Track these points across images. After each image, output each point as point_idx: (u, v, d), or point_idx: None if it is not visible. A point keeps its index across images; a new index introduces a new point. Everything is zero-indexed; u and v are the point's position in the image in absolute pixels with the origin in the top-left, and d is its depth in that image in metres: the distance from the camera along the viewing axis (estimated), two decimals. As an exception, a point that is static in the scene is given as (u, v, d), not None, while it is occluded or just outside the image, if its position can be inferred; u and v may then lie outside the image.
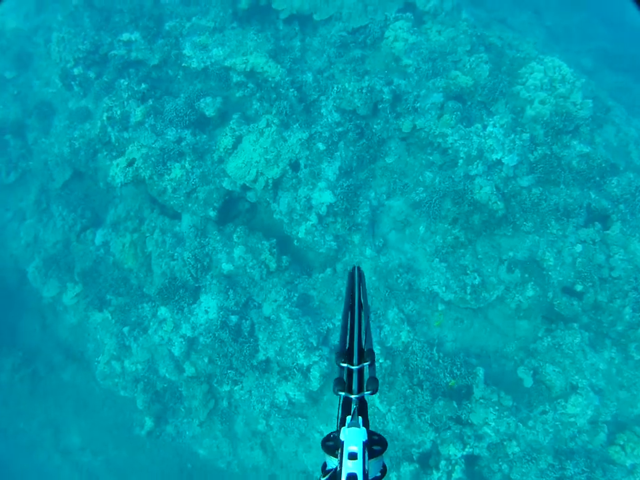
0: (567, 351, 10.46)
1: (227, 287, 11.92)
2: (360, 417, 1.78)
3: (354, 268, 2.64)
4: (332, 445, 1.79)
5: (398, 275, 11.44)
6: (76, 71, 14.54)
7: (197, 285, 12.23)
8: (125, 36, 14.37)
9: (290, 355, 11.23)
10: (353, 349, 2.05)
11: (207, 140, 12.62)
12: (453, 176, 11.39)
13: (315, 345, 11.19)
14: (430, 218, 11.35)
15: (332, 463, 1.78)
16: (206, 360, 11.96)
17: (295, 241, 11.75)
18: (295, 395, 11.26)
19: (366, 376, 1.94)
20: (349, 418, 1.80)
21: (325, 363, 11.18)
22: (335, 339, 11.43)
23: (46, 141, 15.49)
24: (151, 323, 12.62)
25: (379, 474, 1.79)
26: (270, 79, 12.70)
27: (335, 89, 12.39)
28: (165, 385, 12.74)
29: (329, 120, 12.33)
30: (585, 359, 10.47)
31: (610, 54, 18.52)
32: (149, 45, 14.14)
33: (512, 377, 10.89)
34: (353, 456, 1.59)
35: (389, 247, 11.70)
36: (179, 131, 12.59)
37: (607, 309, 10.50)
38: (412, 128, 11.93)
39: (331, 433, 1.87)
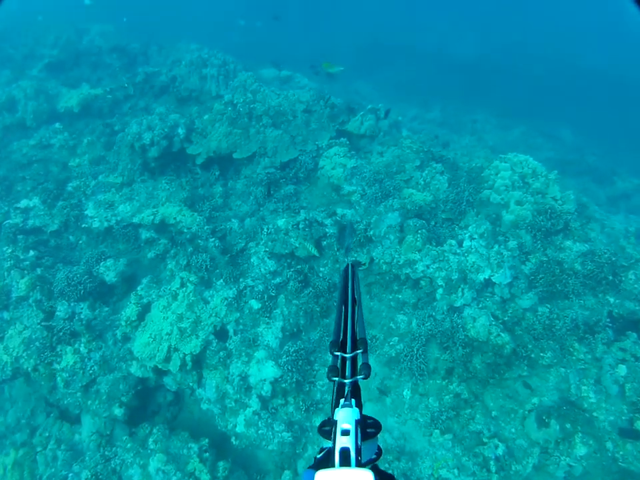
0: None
1: (143, 521, 8.11)
2: (353, 400, 1.79)
3: (347, 265, 2.64)
4: (328, 429, 1.75)
5: (386, 466, 8.02)
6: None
7: (101, 522, 8.37)
8: (23, 203, 12.20)
9: None
10: (347, 338, 2.08)
11: (109, 313, 9.69)
12: (433, 313, 8.70)
13: None
14: (415, 376, 8.39)
15: (328, 445, 1.73)
16: None
17: (233, 437, 8.29)
18: None
19: (359, 363, 1.95)
20: (342, 401, 1.79)
21: None
22: None
23: None
24: None
25: (374, 456, 1.88)
26: (185, 230, 10.32)
27: (266, 230, 10.03)
28: None
29: (262, 270, 9.75)
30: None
31: (559, 161, 18.23)
32: (49, 210, 11.90)
33: None
34: (345, 432, 1.57)
35: (366, 427, 8.36)
36: (72, 304, 9.72)
37: (691, 444, 7.68)
38: (369, 262, 9.45)
39: (326, 418, 1.85)
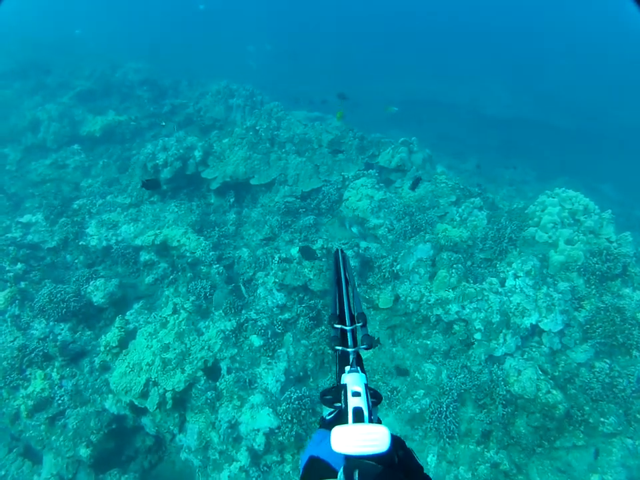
0: None
1: None
2: (358, 367, 1.80)
3: (337, 250, 2.63)
4: (330, 398, 1.77)
5: None
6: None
7: None
8: (26, 217, 11.50)
9: None
10: (344, 313, 2.10)
11: (92, 338, 8.48)
12: (468, 363, 7.21)
13: None
14: (443, 438, 6.85)
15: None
16: None
17: (215, 501, 6.74)
18: None
19: (359, 335, 1.97)
20: (347, 368, 1.78)
21: None
22: None
23: None
24: None
25: None
26: (188, 254, 9.23)
27: (277, 258, 8.87)
28: None
29: (269, 303, 8.50)
30: None
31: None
32: (50, 226, 11.12)
33: None
34: (356, 394, 1.57)
35: (379, 502, 6.70)
36: (50, 323, 8.57)
37: None
38: (393, 301, 8.11)
39: (328, 388, 1.83)
